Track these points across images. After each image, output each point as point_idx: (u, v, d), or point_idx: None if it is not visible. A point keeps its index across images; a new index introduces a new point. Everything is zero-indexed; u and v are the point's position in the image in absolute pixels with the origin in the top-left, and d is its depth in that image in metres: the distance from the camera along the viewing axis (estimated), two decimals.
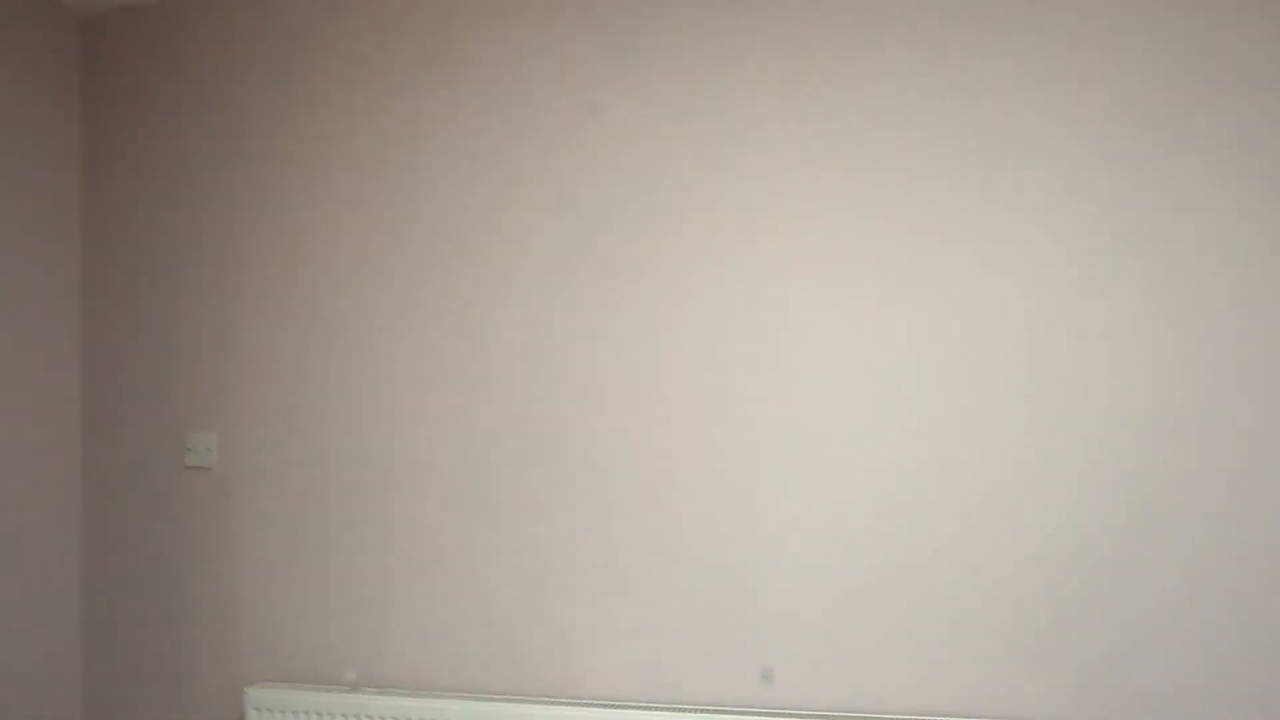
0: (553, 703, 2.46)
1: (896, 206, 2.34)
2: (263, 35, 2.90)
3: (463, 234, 2.68)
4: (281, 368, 2.84)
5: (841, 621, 2.34)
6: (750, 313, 2.44)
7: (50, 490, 2.97)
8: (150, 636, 2.94)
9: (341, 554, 2.75)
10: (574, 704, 2.44)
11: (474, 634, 2.62)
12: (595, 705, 2.42)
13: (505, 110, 2.65)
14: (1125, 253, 2.20)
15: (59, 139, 3.03)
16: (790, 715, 2.30)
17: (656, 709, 2.38)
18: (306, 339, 2.82)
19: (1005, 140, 2.27)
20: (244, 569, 2.85)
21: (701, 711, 2.35)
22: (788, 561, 2.38)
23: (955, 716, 2.25)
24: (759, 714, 2.32)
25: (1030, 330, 2.24)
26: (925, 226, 2.32)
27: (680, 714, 2.33)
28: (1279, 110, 2.12)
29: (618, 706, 2.41)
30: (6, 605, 2.83)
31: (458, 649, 2.63)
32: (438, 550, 2.66)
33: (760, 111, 2.44)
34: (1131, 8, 2.21)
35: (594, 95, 2.57)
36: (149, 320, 2.99)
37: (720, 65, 2.47)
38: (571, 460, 2.56)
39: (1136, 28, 2.20)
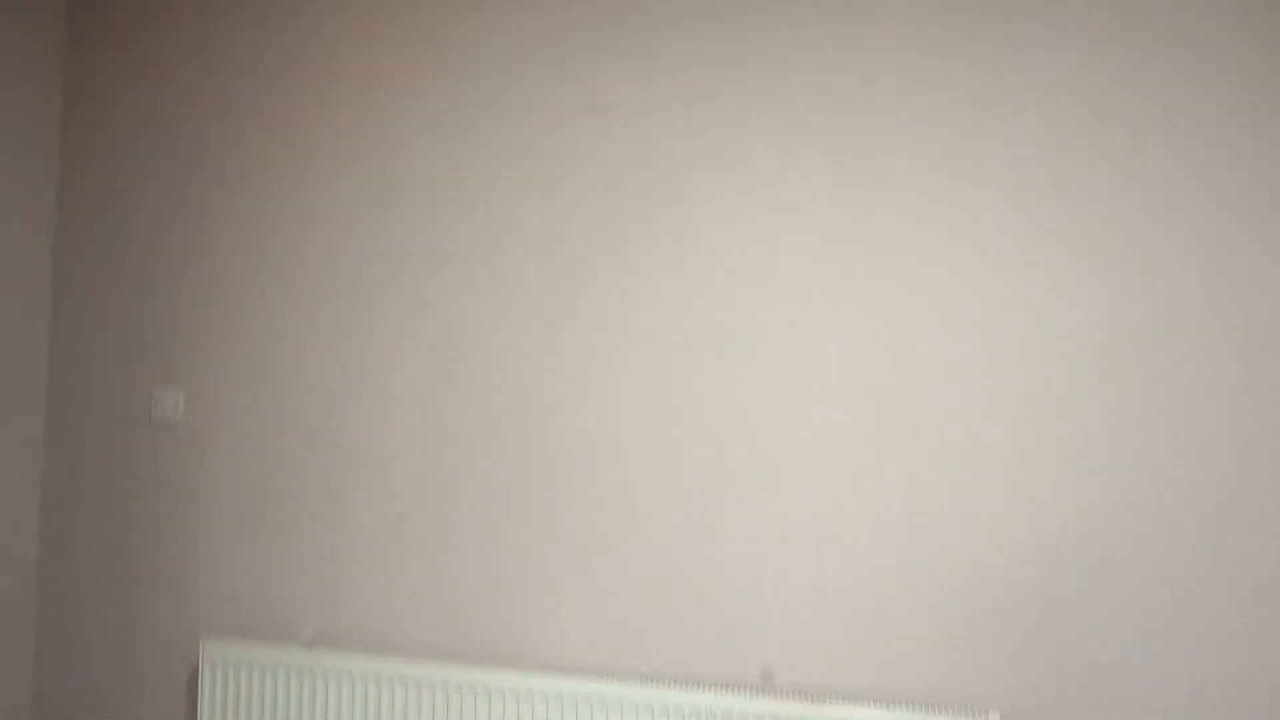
0: (503, 669, 2.51)
1: (893, 209, 2.37)
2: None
3: (443, 213, 2.71)
4: (254, 327, 2.86)
5: (799, 608, 2.40)
6: (728, 303, 2.47)
7: (12, 441, 2.97)
8: (108, 588, 2.95)
9: (303, 514, 2.78)
10: (524, 671, 2.49)
11: (431, 598, 2.66)
12: (545, 673, 2.47)
13: (492, 96, 2.68)
14: (1119, 255, 2.22)
15: (38, 91, 3.03)
16: (737, 690, 2.35)
17: (606, 679, 2.43)
18: (282, 300, 2.84)
19: (999, 139, 2.31)
20: (205, 524, 2.87)
21: (650, 684, 2.40)
22: (754, 552, 2.43)
23: (921, 707, 2.32)
24: (706, 689, 2.37)
25: (1030, 334, 2.28)
26: (925, 226, 2.35)
27: (629, 685, 2.39)
28: (1268, 113, 2.17)
29: (567, 674, 2.46)
30: None
31: (413, 612, 2.67)
32: (398, 516, 2.70)
33: (751, 107, 2.49)
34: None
35: (592, 94, 2.61)
36: (121, 275, 3.00)
37: (709, 60, 2.52)
38: (537, 442, 2.59)
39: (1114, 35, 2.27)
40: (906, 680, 2.31)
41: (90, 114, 3.06)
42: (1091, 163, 2.26)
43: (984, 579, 2.28)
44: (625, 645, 2.50)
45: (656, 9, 2.54)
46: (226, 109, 2.92)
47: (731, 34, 2.49)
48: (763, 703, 2.27)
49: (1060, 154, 2.27)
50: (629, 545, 2.51)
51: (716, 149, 2.49)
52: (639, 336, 2.53)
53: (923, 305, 2.34)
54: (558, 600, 2.56)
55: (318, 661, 2.59)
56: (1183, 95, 2.21)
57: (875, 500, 2.35)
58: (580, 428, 2.56)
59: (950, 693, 2.28)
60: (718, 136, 2.49)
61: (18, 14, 2.96)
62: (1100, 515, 2.22)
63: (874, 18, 2.40)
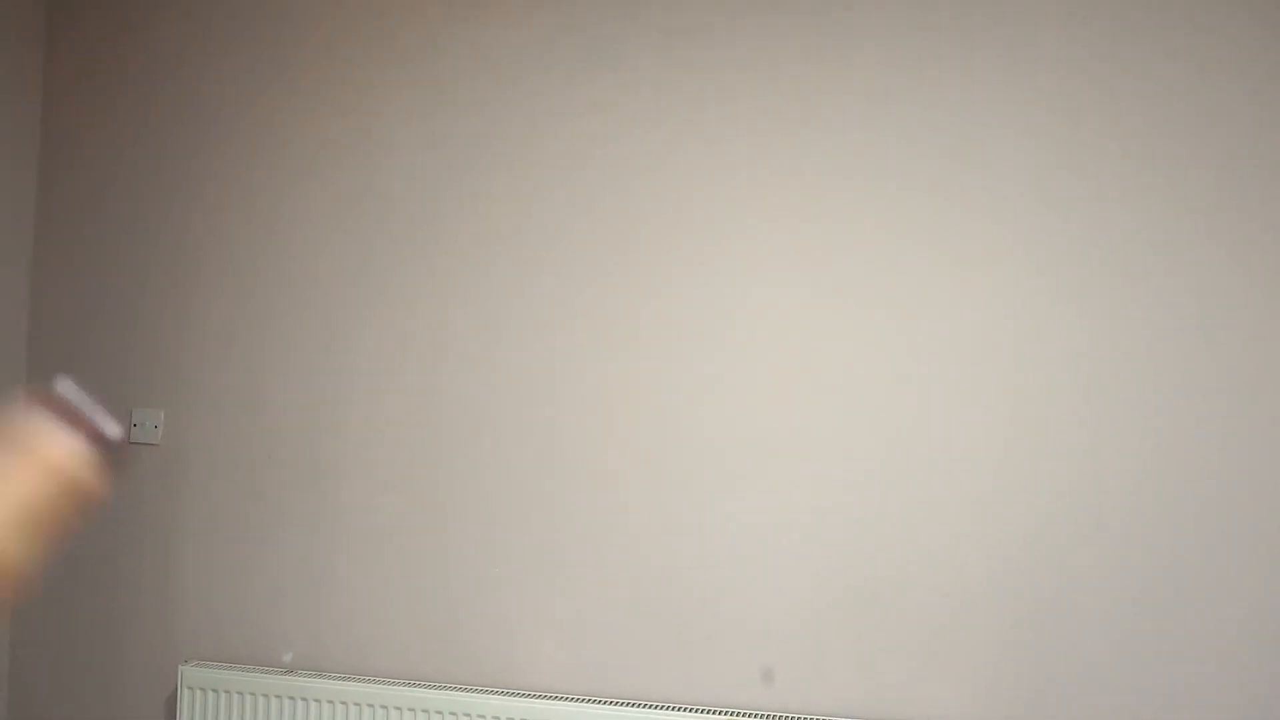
0: (489, 692, 2.49)
1: (874, 211, 2.39)
2: (240, 8, 2.90)
3: (430, 223, 2.70)
4: (235, 349, 2.84)
5: (785, 625, 2.39)
6: (715, 312, 2.48)
7: None
8: (87, 610, 2.92)
9: (285, 536, 2.76)
10: (509, 694, 2.47)
11: (413, 621, 2.64)
12: (531, 696, 2.46)
13: (479, 105, 2.68)
14: (1103, 261, 2.25)
15: (17, 107, 3.01)
16: (723, 713, 2.34)
17: (592, 701, 2.41)
18: (263, 321, 2.82)
19: (980, 147, 2.33)
20: (185, 546, 2.84)
21: (638, 706, 2.39)
22: (736, 563, 2.43)
23: None
24: (695, 711, 2.36)
25: (1006, 338, 2.30)
26: (903, 231, 2.37)
27: (615, 708, 2.37)
28: (1260, 116, 2.20)
29: (553, 698, 2.44)
30: None
31: (396, 635, 2.65)
32: (382, 536, 2.68)
33: (735, 114, 2.49)
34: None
35: (575, 96, 2.61)
36: (100, 294, 2.97)
37: (695, 69, 2.52)
38: (521, 455, 2.58)
39: (1116, 35, 2.28)
40: (887, 697, 2.30)
41: (69, 131, 3.04)
42: (1078, 165, 2.27)
43: (966, 593, 2.27)
44: (607, 666, 2.49)
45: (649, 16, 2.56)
46: (207, 125, 2.90)
47: (718, 42, 2.50)
48: None
49: (1045, 157, 2.28)
50: (612, 562, 2.50)
51: (705, 155, 2.50)
52: (625, 344, 2.53)
53: (902, 307, 2.35)
54: (541, 620, 2.55)
55: (298, 686, 2.56)
56: (1170, 98, 2.23)
57: (854, 509, 2.35)
58: (564, 444, 2.55)
59: (932, 710, 2.28)
60: (706, 143, 2.50)
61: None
62: (1086, 524, 2.22)
63: (860, 26, 2.41)
